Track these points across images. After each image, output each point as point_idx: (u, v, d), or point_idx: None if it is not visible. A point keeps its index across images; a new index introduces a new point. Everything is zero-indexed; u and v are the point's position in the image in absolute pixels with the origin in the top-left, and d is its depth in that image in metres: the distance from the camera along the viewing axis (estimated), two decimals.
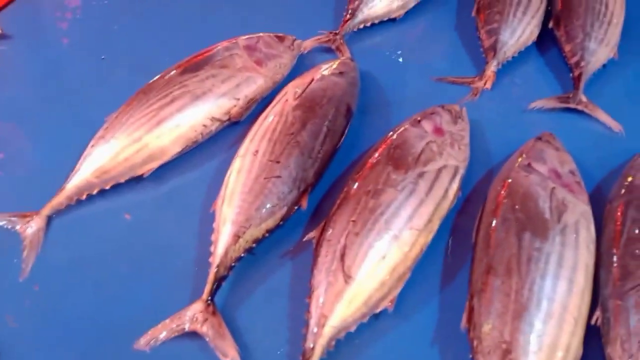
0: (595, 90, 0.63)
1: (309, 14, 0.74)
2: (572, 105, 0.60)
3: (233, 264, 0.46)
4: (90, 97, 0.62)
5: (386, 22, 0.71)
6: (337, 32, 0.68)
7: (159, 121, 0.53)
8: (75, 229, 0.51)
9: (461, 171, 0.51)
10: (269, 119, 0.52)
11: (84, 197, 0.51)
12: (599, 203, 0.50)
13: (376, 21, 0.70)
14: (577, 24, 0.65)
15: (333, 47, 0.67)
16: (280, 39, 0.65)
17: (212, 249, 0.46)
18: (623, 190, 0.47)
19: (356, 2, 0.69)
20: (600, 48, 0.64)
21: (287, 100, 0.54)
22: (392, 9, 0.70)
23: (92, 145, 0.52)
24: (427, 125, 0.52)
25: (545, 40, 0.69)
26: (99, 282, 0.49)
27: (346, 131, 0.55)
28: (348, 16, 0.68)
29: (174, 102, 0.54)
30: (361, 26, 0.70)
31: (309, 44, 0.67)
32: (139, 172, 0.52)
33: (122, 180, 0.52)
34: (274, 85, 0.61)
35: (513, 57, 0.66)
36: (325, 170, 0.52)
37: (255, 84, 0.59)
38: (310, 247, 0.47)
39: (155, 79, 0.57)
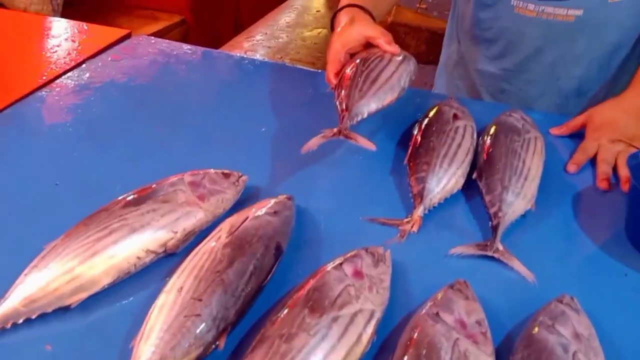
0: (512, 240, 0.68)
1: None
2: (489, 254, 0.65)
3: None
4: (37, 224, 0.65)
5: (327, 165, 0.78)
6: (340, 126, 0.71)
7: (93, 253, 0.55)
8: None
9: (377, 315, 0.53)
10: (199, 255, 0.55)
11: (9, 325, 0.52)
12: (506, 352, 0.53)
13: (372, 113, 0.75)
14: (496, 177, 0.73)
15: (342, 137, 0.71)
16: (226, 175, 0.70)
17: None
18: (523, 344, 0.50)
19: (344, 102, 0.74)
20: (517, 200, 0.70)
21: (220, 237, 0.57)
22: (381, 98, 0.75)
23: (25, 274, 0.54)
24: (347, 268, 0.56)
25: (471, 189, 0.76)
26: None
27: (274, 269, 0.58)
28: (344, 113, 0.73)
29: (111, 235, 0.57)
30: (358, 119, 0.74)
31: (314, 142, 0.70)
32: (67, 302, 0.53)
33: (49, 310, 0.53)
34: (214, 218, 0.65)
35: (439, 204, 0.72)
36: (248, 309, 0.54)
37: (195, 218, 0.63)
38: None
39: (98, 210, 0.60)
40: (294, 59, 2.01)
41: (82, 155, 0.78)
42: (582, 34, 0.96)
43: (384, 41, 0.81)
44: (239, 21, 3.25)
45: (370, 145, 0.71)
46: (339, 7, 0.90)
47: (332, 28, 0.89)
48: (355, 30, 0.83)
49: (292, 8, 2.76)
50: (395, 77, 0.78)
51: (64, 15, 2.09)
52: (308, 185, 0.76)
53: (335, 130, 0.71)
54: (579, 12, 0.93)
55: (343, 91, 0.76)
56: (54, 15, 1.82)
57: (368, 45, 0.84)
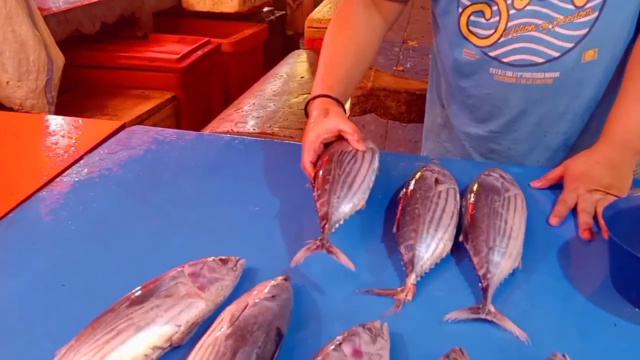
0: (503, 299, 0.71)
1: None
2: (482, 316, 0.67)
3: None
4: (46, 327, 0.67)
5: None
6: (321, 238, 0.75)
7: (102, 356, 0.57)
8: None
9: None
10: (203, 349, 0.57)
11: None
12: None
13: (347, 217, 0.80)
14: (481, 239, 0.76)
15: (324, 251, 0.75)
16: (224, 262, 0.73)
17: None
18: None
19: (324, 209, 0.79)
20: (503, 260, 0.74)
21: (221, 328, 0.60)
22: (355, 204, 0.81)
23: None
24: (346, 349, 0.58)
25: (460, 250, 0.79)
26: None
27: (276, 355, 0.60)
28: (324, 222, 0.77)
29: (118, 336, 0.59)
30: (337, 226, 0.79)
31: (300, 255, 0.74)
32: None
33: None
34: (216, 307, 0.68)
35: (430, 269, 0.75)
36: None
37: (197, 309, 0.65)
38: None
39: (104, 311, 0.63)
40: (282, 127, 2.09)
41: (84, 253, 0.81)
42: (561, 93, 1.01)
43: (355, 139, 0.89)
44: (228, 92, 3.37)
45: (350, 265, 0.74)
46: (312, 95, 0.97)
47: (306, 114, 0.96)
48: (329, 123, 0.91)
49: (277, 76, 2.88)
50: (367, 180, 0.85)
51: (59, 101, 2.19)
52: (303, 262, 0.78)
53: (318, 242, 0.75)
54: (556, 74, 0.98)
55: (322, 197, 0.81)
56: (49, 107, 1.90)
57: (340, 136, 0.91)
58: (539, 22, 0.95)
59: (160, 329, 0.62)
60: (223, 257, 0.74)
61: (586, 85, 1.01)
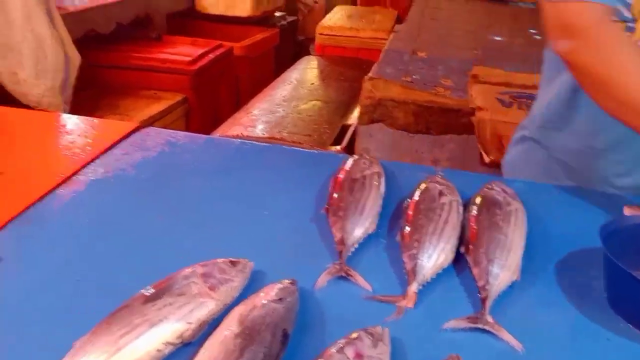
0: (500, 310, 0.73)
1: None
2: (479, 326, 0.70)
3: None
4: (63, 320, 0.71)
5: (327, 246, 0.85)
6: (340, 262, 0.80)
7: (118, 348, 0.60)
8: None
9: None
10: (213, 347, 0.60)
11: None
12: None
13: (361, 240, 0.85)
14: (481, 251, 0.79)
15: (343, 274, 0.79)
16: (234, 264, 0.76)
17: None
18: None
19: (339, 235, 0.84)
20: (502, 272, 0.76)
21: (230, 327, 0.63)
22: (367, 227, 0.86)
23: None
24: (349, 351, 0.61)
25: (461, 261, 0.82)
26: None
27: (282, 356, 0.63)
28: (341, 247, 0.82)
29: (133, 330, 0.62)
30: (353, 249, 0.83)
31: (322, 279, 0.78)
32: None
33: None
34: (225, 307, 0.71)
35: (432, 278, 0.78)
36: None
37: (207, 308, 0.68)
38: None
39: (120, 307, 0.66)
40: (291, 132, 2.12)
41: (99, 250, 0.84)
42: None
43: None
44: (238, 95, 3.41)
45: (367, 287, 0.77)
46: None
47: None
48: None
49: (287, 82, 2.92)
50: (376, 206, 0.91)
51: (73, 99, 2.23)
52: (309, 266, 0.81)
53: (337, 266, 0.79)
54: None
55: (337, 223, 0.86)
56: (65, 106, 1.94)
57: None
58: None
59: (172, 326, 0.65)
60: (233, 259, 0.77)
61: None
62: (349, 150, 1.98)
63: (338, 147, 1.99)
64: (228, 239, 0.88)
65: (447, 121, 1.64)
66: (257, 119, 2.34)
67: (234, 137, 2.05)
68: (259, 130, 2.20)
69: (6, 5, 1.78)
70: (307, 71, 3.17)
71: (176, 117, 2.76)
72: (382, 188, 0.95)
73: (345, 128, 2.28)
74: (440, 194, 0.89)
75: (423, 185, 0.92)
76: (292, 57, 4.20)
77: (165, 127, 1.30)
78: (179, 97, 2.80)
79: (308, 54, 4.62)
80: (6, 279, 0.78)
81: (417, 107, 1.66)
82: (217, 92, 3.24)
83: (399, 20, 3.65)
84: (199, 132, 1.32)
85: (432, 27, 2.84)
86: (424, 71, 1.98)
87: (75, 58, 2.08)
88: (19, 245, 0.86)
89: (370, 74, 1.87)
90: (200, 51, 3.07)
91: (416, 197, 0.89)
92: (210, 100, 3.14)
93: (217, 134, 2.13)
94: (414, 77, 1.89)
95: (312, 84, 2.90)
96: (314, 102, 2.54)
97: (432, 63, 2.09)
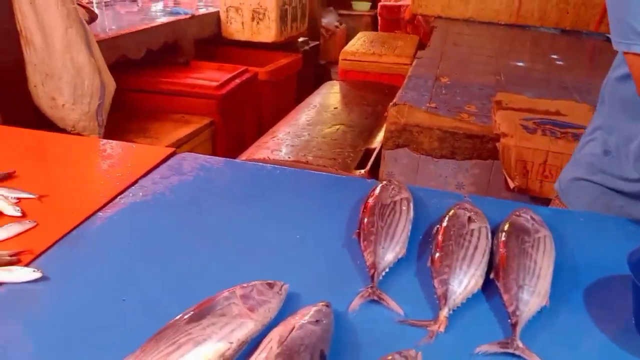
0: (530, 335, 0.75)
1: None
2: (510, 351, 0.72)
3: None
4: (111, 338, 0.74)
5: (358, 269, 0.88)
6: (372, 286, 0.83)
7: None
8: None
9: None
10: None
11: None
12: None
13: (392, 265, 0.88)
14: (511, 277, 0.81)
15: (376, 298, 0.81)
16: (271, 286, 0.79)
17: None
18: None
19: (371, 259, 0.87)
20: (532, 298, 0.78)
21: (271, 348, 0.66)
22: (397, 252, 0.89)
23: None
24: None
25: (491, 286, 0.84)
26: None
27: None
28: (372, 271, 0.85)
29: (179, 349, 0.66)
30: (384, 273, 0.86)
31: (356, 303, 0.81)
32: None
33: None
34: (263, 327, 0.74)
35: (462, 303, 0.80)
36: None
37: (247, 329, 0.72)
38: None
39: (166, 326, 0.70)
40: (316, 156, 2.17)
41: (141, 271, 0.89)
42: None
43: None
44: (261, 118, 3.48)
45: (399, 310, 0.80)
46: None
47: None
48: None
49: (311, 106, 2.97)
50: (406, 230, 0.94)
51: (107, 122, 2.31)
52: (342, 289, 0.84)
53: (369, 290, 0.82)
54: None
55: (368, 247, 0.89)
56: (99, 130, 2.02)
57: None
58: None
59: (215, 345, 0.68)
60: (270, 282, 0.80)
61: None
62: (373, 173, 2.01)
63: (362, 171, 2.02)
64: (263, 262, 0.92)
65: (472, 147, 1.67)
66: (282, 142, 2.39)
67: (261, 160, 2.10)
68: (285, 153, 2.25)
69: (49, 36, 1.88)
70: (330, 96, 3.23)
71: (203, 139, 2.83)
72: (411, 213, 0.98)
73: (368, 151, 2.32)
74: (470, 220, 0.92)
75: (452, 212, 0.95)
76: (314, 80, 4.28)
77: (192, 150, 1.36)
78: (206, 121, 2.88)
79: (329, 77, 4.70)
80: (54, 297, 0.83)
81: (442, 132, 1.69)
82: (241, 115, 3.31)
83: (421, 46, 3.71)
84: (225, 154, 1.38)
85: (453, 53, 2.88)
86: (448, 97, 2.02)
87: (110, 84, 2.17)
88: (66, 265, 0.90)
89: (395, 100, 1.91)
90: (227, 76, 3.15)
91: (445, 223, 0.92)
92: (235, 123, 3.22)
93: (244, 157, 2.19)
94: (437, 103, 1.93)
95: (336, 108, 2.96)
96: (337, 126, 2.59)
97: (455, 89, 2.13)
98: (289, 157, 2.17)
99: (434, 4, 4.05)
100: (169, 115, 2.86)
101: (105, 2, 3.54)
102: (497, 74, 2.58)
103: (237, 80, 3.20)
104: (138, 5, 3.84)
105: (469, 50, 2.97)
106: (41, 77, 1.89)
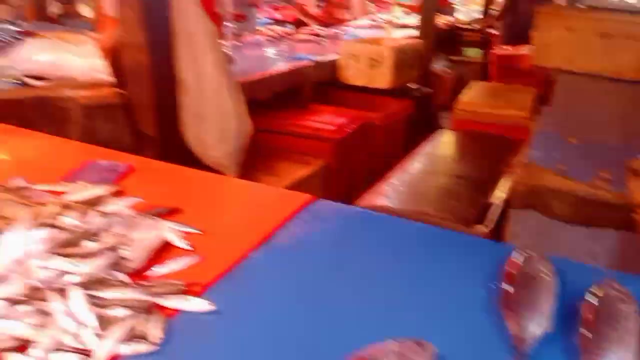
0: None
1: None
2: None
3: None
4: None
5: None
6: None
7: None
8: None
9: None
10: None
11: None
12: None
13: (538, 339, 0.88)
14: None
15: None
16: (420, 345, 0.84)
17: None
18: None
19: (516, 330, 0.88)
20: None
21: None
22: (544, 326, 0.89)
23: None
24: None
25: None
26: None
27: None
28: (519, 344, 0.87)
29: None
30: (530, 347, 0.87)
31: None
32: None
33: None
34: None
35: None
36: None
37: None
38: None
39: None
40: (436, 208, 2.20)
41: (294, 317, 0.96)
42: None
43: None
44: (372, 163, 3.57)
45: None
46: None
47: None
48: None
49: (425, 155, 3.01)
50: (552, 305, 0.94)
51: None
52: (489, 348, 0.86)
53: None
54: None
55: (512, 317, 0.91)
56: (236, 168, 2.21)
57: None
58: None
59: None
60: (418, 340, 0.85)
61: None
62: (496, 232, 2.00)
63: (485, 230, 2.01)
64: (406, 318, 0.96)
65: (606, 215, 1.62)
66: (398, 190, 2.45)
67: (381, 208, 2.17)
68: (402, 202, 2.31)
69: (202, 81, 2.12)
70: (444, 145, 3.25)
71: (318, 181, 2.96)
72: (557, 287, 0.98)
73: (485, 206, 2.31)
74: (620, 301, 0.91)
75: (600, 291, 0.94)
76: (423, 125, 4.31)
77: (307, 191, 1.43)
78: (322, 163, 3.02)
79: (437, 123, 4.71)
80: (227, 330, 0.93)
81: (574, 198, 1.66)
82: (354, 159, 3.42)
83: (540, 99, 3.63)
84: (336, 197, 1.45)
85: (578, 110, 2.80)
86: (578, 159, 1.97)
87: (249, 126, 2.37)
88: (225, 303, 0.98)
89: (522, 158, 1.90)
90: (344, 120, 3.29)
91: (595, 302, 0.91)
92: (349, 166, 3.33)
93: (362, 203, 2.27)
94: (567, 165, 1.89)
95: (450, 158, 2.98)
96: (453, 178, 2.61)
97: (584, 150, 2.07)
98: (408, 207, 2.22)
99: (555, 56, 3.95)
100: (290, 155, 3.03)
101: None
102: (627, 134, 2.46)
103: (353, 125, 3.33)
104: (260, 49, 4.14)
105: (596, 110, 2.87)
106: (192, 118, 2.12)
